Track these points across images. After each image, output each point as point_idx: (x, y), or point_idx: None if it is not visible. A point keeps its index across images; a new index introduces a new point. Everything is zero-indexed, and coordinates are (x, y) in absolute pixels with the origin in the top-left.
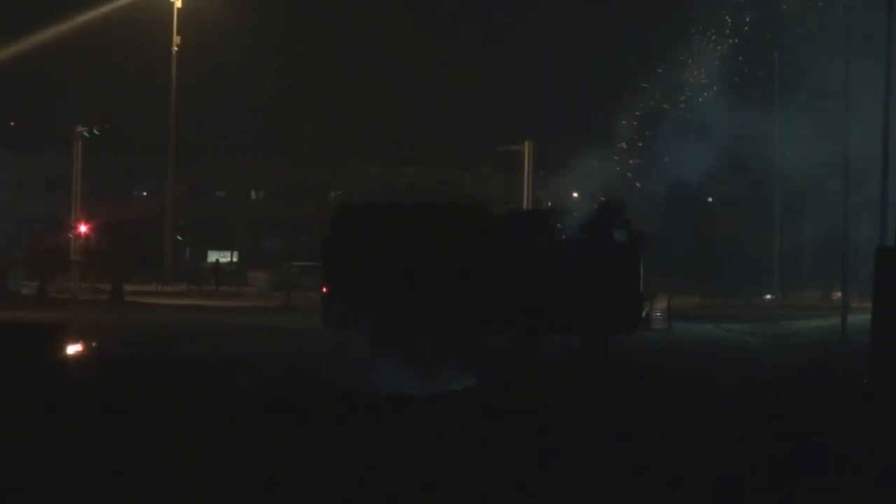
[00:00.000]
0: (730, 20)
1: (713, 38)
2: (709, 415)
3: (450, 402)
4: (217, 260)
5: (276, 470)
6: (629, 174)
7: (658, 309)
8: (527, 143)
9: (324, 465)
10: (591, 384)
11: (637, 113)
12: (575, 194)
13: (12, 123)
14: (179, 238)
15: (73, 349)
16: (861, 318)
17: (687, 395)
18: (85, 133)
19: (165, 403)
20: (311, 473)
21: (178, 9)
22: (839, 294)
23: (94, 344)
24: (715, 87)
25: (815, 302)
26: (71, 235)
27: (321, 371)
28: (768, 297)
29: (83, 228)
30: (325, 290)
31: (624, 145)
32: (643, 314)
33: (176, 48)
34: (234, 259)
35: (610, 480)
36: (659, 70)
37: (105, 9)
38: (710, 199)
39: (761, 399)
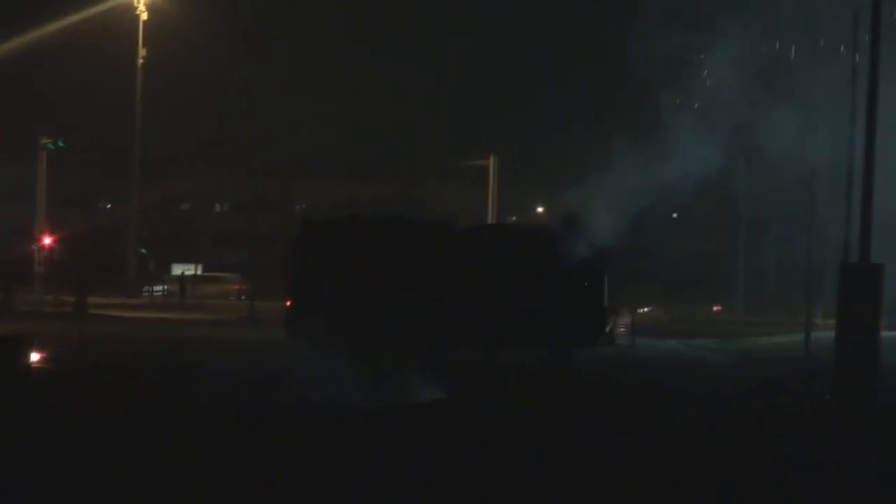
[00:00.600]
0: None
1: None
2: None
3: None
4: (182, 272)
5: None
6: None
7: (622, 324)
8: (491, 158)
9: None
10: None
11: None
12: (540, 209)
13: None
14: (143, 251)
15: (36, 360)
16: (825, 334)
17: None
18: (49, 145)
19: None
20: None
21: (144, 21)
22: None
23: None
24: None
25: (779, 318)
26: (35, 247)
27: (274, 383)
28: (732, 312)
29: (47, 240)
30: (289, 302)
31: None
32: (607, 329)
33: (142, 60)
34: (199, 272)
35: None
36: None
37: (71, 20)
38: (675, 216)
39: (723, 415)
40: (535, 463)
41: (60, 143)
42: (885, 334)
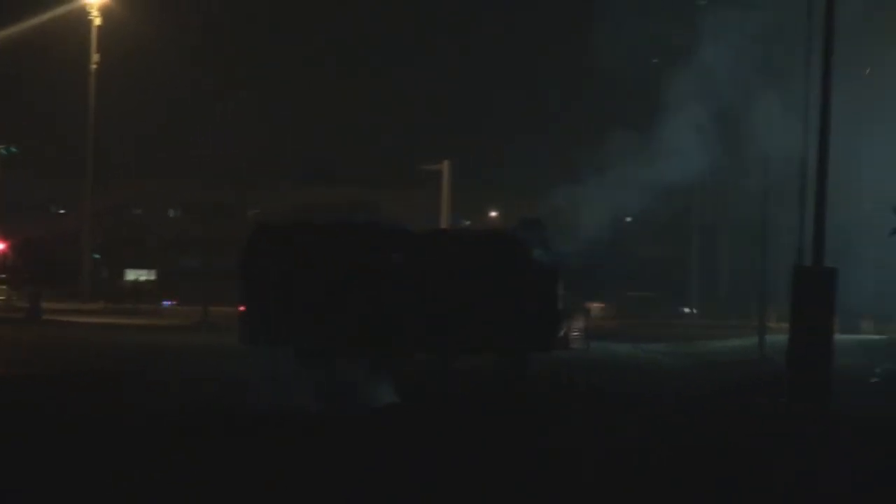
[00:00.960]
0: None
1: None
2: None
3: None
4: (137, 279)
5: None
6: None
7: (576, 328)
8: (445, 163)
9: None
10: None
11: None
12: (493, 213)
13: None
14: (96, 256)
15: None
16: (779, 338)
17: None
18: (2, 150)
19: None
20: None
21: (98, 26)
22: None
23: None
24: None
25: (734, 322)
26: None
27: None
28: (686, 310)
29: (0, 246)
30: (242, 308)
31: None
32: (561, 333)
33: (95, 65)
34: (152, 277)
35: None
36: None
37: (23, 25)
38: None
39: (679, 417)
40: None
41: (13, 149)
42: (839, 337)
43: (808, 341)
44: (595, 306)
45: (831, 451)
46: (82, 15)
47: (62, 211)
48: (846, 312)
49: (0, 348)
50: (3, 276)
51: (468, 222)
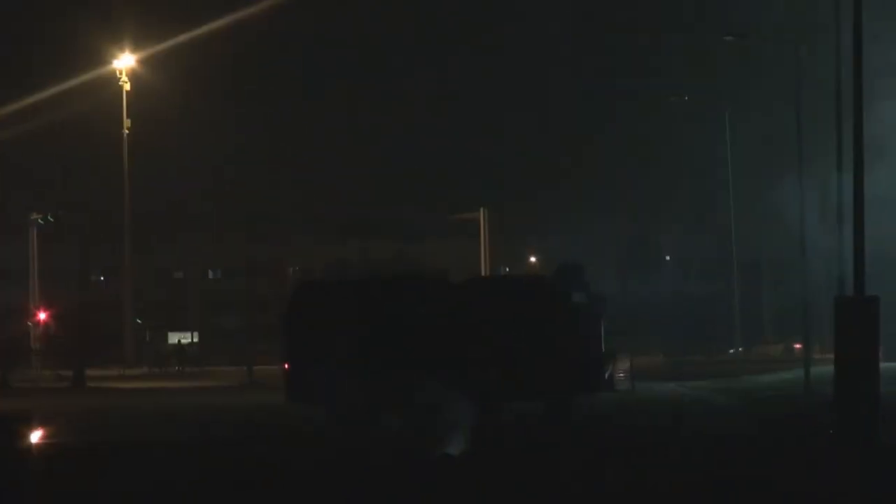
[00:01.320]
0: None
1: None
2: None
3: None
4: (179, 341)
5: None
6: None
7: (620, 369)
8: (482, 210)
9: None
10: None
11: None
12: (532, 259)
13: None
14: (138, 321)
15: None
16: (824, 369)
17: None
18: (40, 220)
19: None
20: None
21: (128, 91)
22: (801, 346)
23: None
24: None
25: (778, 355)
26: (30, 323)
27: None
28: (731, 351)
29: (42, 316)
30: (287, 366)
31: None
32: (606, 375)
33: (127, 130)
34: (195, 339)
35: None
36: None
37: (54, 91)
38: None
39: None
40: None
41: (50, 218)
42: (884, 366)
43: (854, 373)
44: (636, 346)
45: (880, 483)
46: (112, 79)
47: (102, 278)
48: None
49: (43, 420)
50: (44, 345)
51: (507, 269)
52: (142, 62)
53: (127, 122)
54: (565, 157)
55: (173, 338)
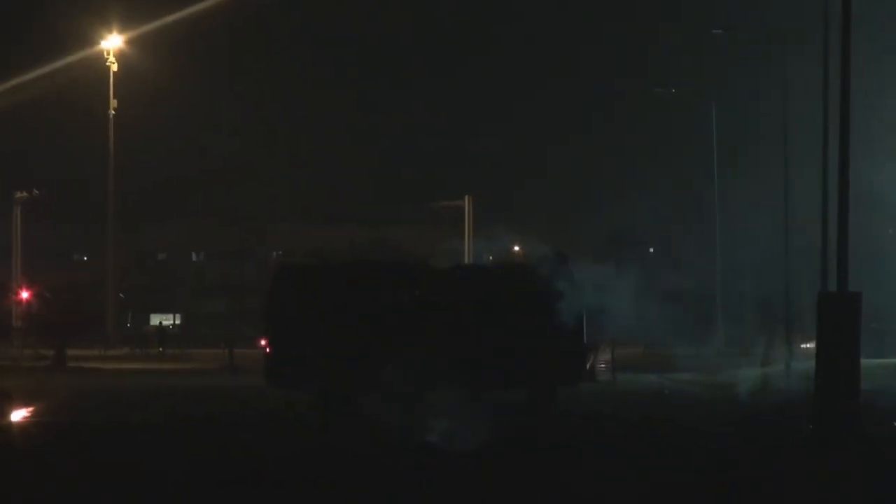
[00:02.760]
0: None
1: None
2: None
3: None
4: (161, 322)
5: None
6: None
7: (602, 360)
8: (467, 198)
9: None
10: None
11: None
12: (517, 248)
13: None
14: (121, 296)
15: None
16: (805, 364)
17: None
18: (23, 197)
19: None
20: None
21: (115, 72)
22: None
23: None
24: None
25: (759, 350)
26: (12, 302)
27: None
28: (714, 346)
29: (24, 294)
30: (268, 349)
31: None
32: (587, 366)
33: (113, 111)
34: (178, 322)
35: None
36: None
37: (39, 72)
38: (651, 251)
39: (708, 446)
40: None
41: (35, 191)
42: (865, 362)
43: (835, 367)
44: (618, 337)
45: (862, 478)
46: (100, 61)
47: (85, 258)
48: (872, 336)
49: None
50: (25, 324)
51: (490, 258)
52: (130, 43)
53: (114, 103)
54: (555, 149)
55: (156, 319)
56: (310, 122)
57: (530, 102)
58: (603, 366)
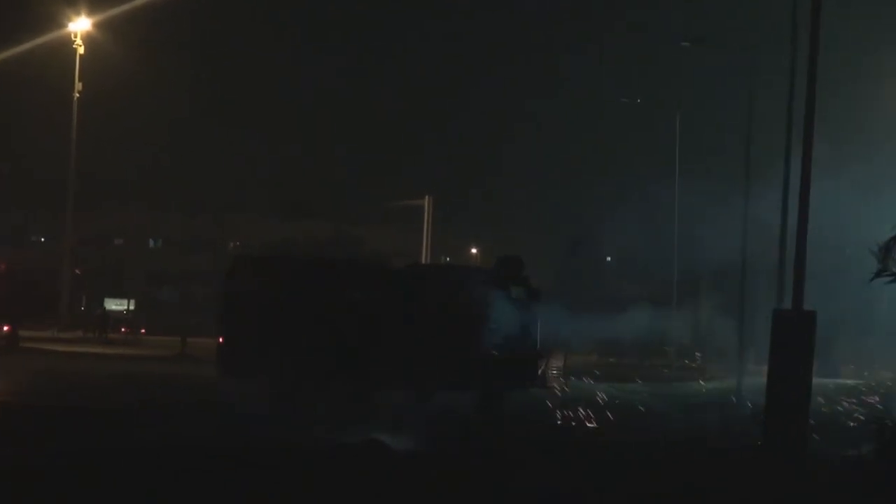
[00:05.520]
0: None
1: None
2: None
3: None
4: (103, 308)
5: None
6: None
7: (554, 366)
8: (427, 198)
9: None
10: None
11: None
12: (474, 250)
13: None
14: (77, 272)
15: None
16: (757, 380)
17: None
18: None
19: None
20: None
21: (81, 55)
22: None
23: None
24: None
25: (712, 364)
26: None
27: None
28: (665, 356)
29: None
30: (221, 339)
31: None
32: (539, 371)
33: (77, 94)
34: (131, 307)
35: None
36: None
37: (5, 53)
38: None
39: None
40: None
41: None
42: (816, 381)
43: (787, 386)
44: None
45: (805, 496)
46: (65, 43)
47: (42, 239)
48: (825, 356)
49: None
50: None
51: (447, 259)
52: (98, 26)
53: (78, 86)
54: (516, 154)
55: (110, 304)
56: (277, 113)
57: (496, 104)
58: (555, 371)
